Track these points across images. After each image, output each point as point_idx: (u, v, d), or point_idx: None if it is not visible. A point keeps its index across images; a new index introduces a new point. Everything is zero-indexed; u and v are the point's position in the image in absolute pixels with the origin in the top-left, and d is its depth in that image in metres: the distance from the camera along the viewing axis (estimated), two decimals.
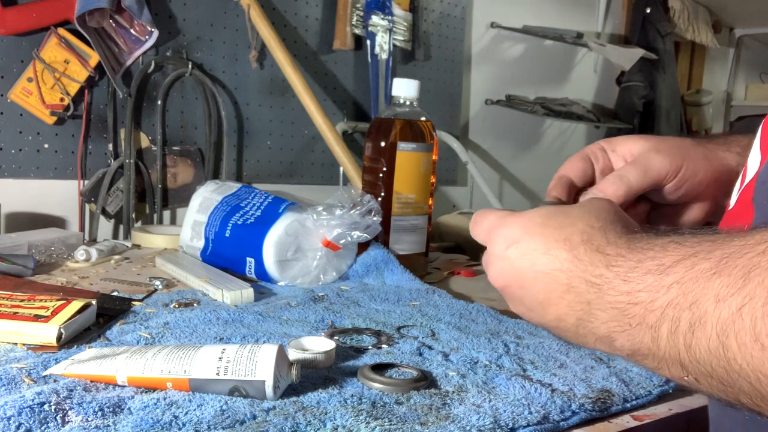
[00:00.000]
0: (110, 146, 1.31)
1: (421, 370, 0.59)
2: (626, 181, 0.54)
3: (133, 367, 0.52)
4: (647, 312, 0.35)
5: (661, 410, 0.57)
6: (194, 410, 0.48)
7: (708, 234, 0.36)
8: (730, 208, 0.47)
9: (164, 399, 0.50)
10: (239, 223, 0.95)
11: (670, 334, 0.34)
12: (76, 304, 0.65)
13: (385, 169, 1.02)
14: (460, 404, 0.52)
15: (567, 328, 0.43)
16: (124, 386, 0.52)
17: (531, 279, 0.44)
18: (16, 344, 0.61)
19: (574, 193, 0.57)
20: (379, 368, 0.59)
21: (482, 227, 0.50)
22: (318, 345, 0.62)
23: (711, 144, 0.57)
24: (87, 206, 1.31)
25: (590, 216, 0.44)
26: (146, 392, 0.52)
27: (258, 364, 0.51)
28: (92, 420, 0.46)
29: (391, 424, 0.48)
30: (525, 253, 0.45)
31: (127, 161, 1.31)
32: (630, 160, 0.56)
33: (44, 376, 0.54)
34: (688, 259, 0.35)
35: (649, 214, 0.59)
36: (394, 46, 1.67)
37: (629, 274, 0.37)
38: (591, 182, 0.58)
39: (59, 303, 0.65)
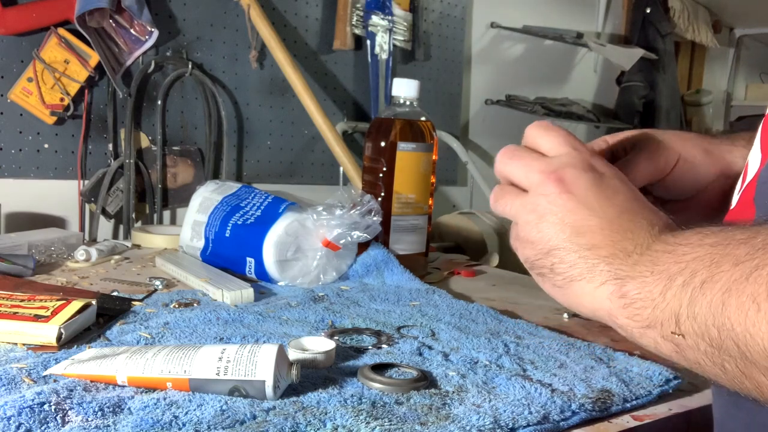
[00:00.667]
0: (110, 146, 1.31)
1: (421, 370, 0.59)
2: (631, 169, 0.54)
3: (133, 367, 0.52)
4: (674, 262, 0.37)
5: (661, 410, 0.57)
6: (194, 410, 0.48)
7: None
8: (732, 207, 0.47)
9: (164, 399, 0.50)
10: (239, 223, 0.95)
11: (681, 286, 0.36)
12: (76, 304, 0.65)
13: (385, 169, 1.02)
14: (460, 404, 0.52)
15: (589, 257, 0.41)
16: (124, 386, 0.52)
17: (599, 204, 0.42)
18: (16, 344, 0.61)
19: None
20: (379, 368, 0.59)
21: (570, 140, 0.47)
22: (318, 345, 0.62)
23: (715, 139, 0.57)
24: (87, 206, 1.31)
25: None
26: (146, 392, 0.52)
27: (258, 364, 0.51)
28: (92, 420, 0.46)
29: (391, 424, 0.48)
30: (620, 186, 0.44)
31: (127, 161, 1.31)
32: (631, 151, 0.57)
33: (44, 376, 0.54)
34: (730, 230, 0.37)
35: None
36: (394, 46, 1.67)
37: (682, 232, 0.39)
38: None
39: (59, 303, 0.65)
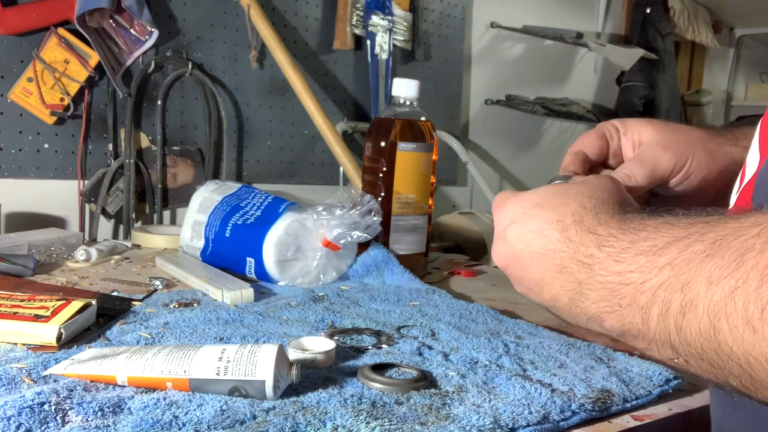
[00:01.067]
0: (110, 146, 1.31)
1: (421, 370, 0.59)
2: (633, 181, 0.55)
3: (133, 367, 0.52)
4: (638, 293, 0.35)
5: (661, 410, 0.57)
6: (194, 410, 0.48)
7: (701, 216, 0.36)
8: (731, 207, 0.47)
9: (164, 399, 0.50)
10: (239, 223, 0.95)
11: (660, 316, 0.34)
12: (76, 304, 0.65)
13: (385, 169, 1.02)
14: (460, 404, 0.52)
15: (562, 307, 0.43)
16: (124, 386, 0.52)
17: (527, 260, 0.45)
18: (16, 344, 0.61)
19: (588, 168, 0.58)
20: (379, 368, 0.59)
21: (494, 206, 0.51)
22: (318, 345, 0.62)
23: (719, 138, 0.57)
24: (87, 206, 1.31)
25: (583, 196, 0.45)
26: (146, 392, 0.52)
27: (258, 364, 0.51)
28: (92, 420, 0.46)
29: (391, 424, 0.48)
30: (521, 234, 0.46)
31: (127, 161, 1.31)
32: (638, 150, 0.57)
33: (44, 376, 0.54)
34: (681, 241, 0.34)
35: (650, 201, 0.59)
36: (394, 46, 1.67)
37: (621, 254, 0.38)
38: (605, 158, 0.59)
39: (59, 303, 0.65)
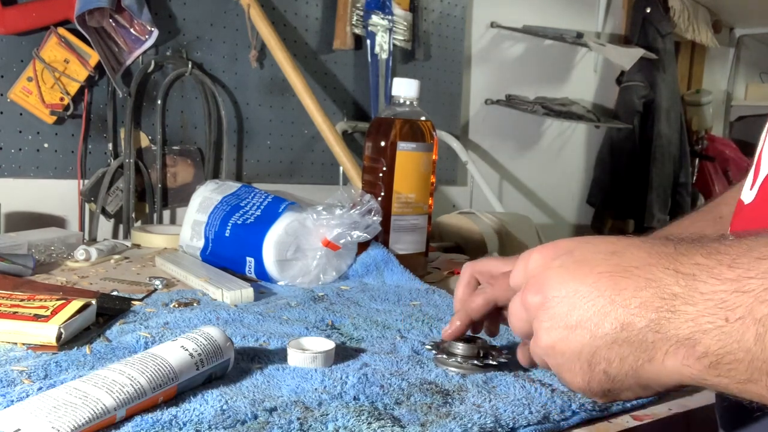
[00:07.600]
0: (110, 146, 1.31)
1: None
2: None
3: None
4: (757, 302, 0.30)
5: (661, 410, 0.57)
6: (194, 410, 0.48)
7: None
8: (747, 203, 0.44)
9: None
10: (239, 222, 0.95)
11: None
12: (76, 304, 0.65)
13: (385, 168, 1.02)
14: (461, 404, 0.52)
15: (629, 338, 0.35)
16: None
17: (590, 283, 0.36)
18: (15, 344, 0.61)
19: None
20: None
21: (529, 261, 0.42)
22: (318, 345, 0.62)
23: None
24: (87, 206, 1.31)
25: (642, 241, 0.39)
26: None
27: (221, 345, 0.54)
28: None
29: (392, 425, 0.48)
30: (585, 256, 0.38)
31: (127, 161, 1.31)
32: None
33: (45, 377, 0.54)
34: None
35: None
36: (394, 45, 1.67)
37: (737, 260, 0.32)
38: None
39: (59, 302, 0.65)
